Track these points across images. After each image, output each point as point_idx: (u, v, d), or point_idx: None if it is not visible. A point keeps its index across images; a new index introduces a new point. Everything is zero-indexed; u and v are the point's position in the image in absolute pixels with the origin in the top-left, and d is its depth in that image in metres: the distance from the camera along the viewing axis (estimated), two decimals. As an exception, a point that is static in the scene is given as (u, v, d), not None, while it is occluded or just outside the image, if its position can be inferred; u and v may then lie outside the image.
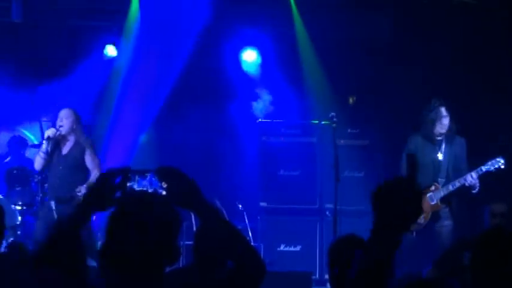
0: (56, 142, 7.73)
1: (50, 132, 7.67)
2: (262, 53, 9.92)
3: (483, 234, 3.00)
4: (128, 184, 2.73)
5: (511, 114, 8.58)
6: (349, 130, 8.73)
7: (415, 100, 8.56)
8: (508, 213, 6.48)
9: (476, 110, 8.81)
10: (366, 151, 8.78)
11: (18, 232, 8.46)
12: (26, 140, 9.79)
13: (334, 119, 7.58)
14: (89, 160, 7.77)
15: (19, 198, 8.86)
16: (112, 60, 9.87)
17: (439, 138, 7.49)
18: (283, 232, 8.85)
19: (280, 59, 9.74)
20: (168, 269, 2.71)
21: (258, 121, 9.36)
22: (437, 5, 9.00)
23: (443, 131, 7.42)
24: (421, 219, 7.15)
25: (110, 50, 9.74)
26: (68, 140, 7.77)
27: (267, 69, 9.92)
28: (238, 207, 8.94)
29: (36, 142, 9.31)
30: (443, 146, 7.47)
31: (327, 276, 6.80)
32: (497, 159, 7.21)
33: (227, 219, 2.94)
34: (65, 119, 7.71)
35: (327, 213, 8.46)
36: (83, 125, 8.06)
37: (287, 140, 9.07)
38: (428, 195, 7.27)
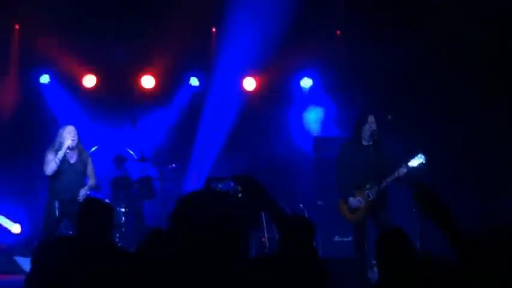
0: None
1: (69, 143, 7.96)
2: (316, 80, 11.26)
3: None
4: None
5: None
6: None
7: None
8: None
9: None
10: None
11: (123, 229, 9.38)
12: (128, 156, 10.53)
13: (376, 133, 7.75)
14: (90, 169, 8.27)
15: (123, 202, 9.65)
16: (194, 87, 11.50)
17: (368, 143, 7.72)
18: (337, 225, 9.36)
19: (333, 83, 11.00)
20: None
21: (314, 136, 10.63)
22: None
23: (371, 135, 7.66)
24: (361, 213, 7.61)
25: (194, 81, 11.47)
26: (74, 152, 8.14)
27: (320, 91, 11.17)
28: (300, 206, 9.72)
29: (135, 157, 10.30)
30: (371, 150, 7.69)
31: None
32: (419, 155, 7.52)
33: (286, 213, 3.15)
34: (74, 134, 8.04)
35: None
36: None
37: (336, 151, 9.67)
38: (365, 192, 7.60)
